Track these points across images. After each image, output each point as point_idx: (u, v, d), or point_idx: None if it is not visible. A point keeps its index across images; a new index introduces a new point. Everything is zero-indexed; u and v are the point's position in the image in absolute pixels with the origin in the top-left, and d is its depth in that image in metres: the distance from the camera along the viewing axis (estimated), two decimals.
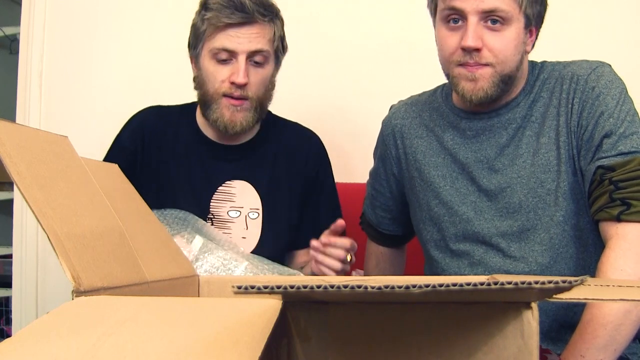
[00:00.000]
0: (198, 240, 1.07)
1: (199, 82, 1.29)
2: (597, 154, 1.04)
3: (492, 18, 1.06)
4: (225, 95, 1.25)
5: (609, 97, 1.06)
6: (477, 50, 1.06)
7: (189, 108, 1.39)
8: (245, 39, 1.23)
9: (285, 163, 1.36)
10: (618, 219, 0.99)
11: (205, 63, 1.26)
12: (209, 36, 1.24)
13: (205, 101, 1.28)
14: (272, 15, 1.27)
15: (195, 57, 1.30)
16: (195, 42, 1.28)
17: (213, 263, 1.04)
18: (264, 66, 1.27)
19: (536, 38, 1.14)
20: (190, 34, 1.30)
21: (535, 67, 1.17)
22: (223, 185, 1.32)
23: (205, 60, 1.26)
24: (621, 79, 1.09)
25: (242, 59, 1.23)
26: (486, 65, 1.07)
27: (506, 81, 1.10)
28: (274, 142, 1.37)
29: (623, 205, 0.99)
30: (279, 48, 1.30)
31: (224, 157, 1.34)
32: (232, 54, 1.23)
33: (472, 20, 1.06)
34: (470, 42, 1.06)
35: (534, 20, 1.10)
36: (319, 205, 1.39)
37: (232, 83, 1.23)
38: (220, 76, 1.24)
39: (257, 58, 1.25)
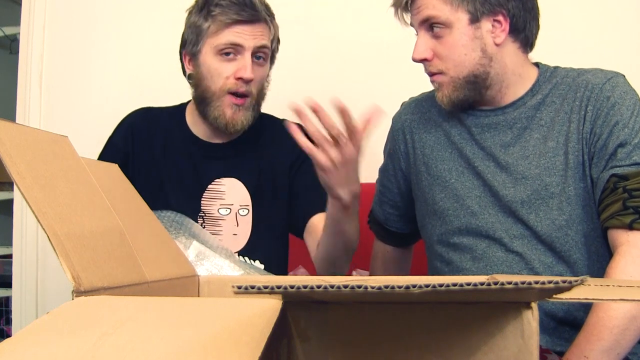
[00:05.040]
0: (194, 247, 1.07)
1: (198, 79, 1.30)
2: (611, 162, 1.05)
3: (431, 25, 1.11)
4: (229, 92, 1.26)
5: (624, 108, 1.06)
6: (427, 60, 1.13)
7: (178, 109, 1.40)
8: (250, 35, 1.25)
9: (272, 157, 1.36)
10: (630, 227, 1.00)
11: (208, 60, 1.27)
12: (213, 33, 1.25)
13: (204, 98, 1.29)
14: (273, 17, 1.31)
15: (192, 54, 1.30)
16: (195, 39, 1.28)
17: (209, 269, 1.05)
18: (264, 64, 1.30)
19: (515, 22, 1.10)
20: (187, 32, 1.31)
21: (547, 70, 1.17)
22: (212, 183, 1.32)
23: (208, 57, 1.27)
24: (635, 90, 1.10)
25: (248, 55, 1.25)
26: (440, 73, 1.13)
27: (473, 81, 1.11)
28: (260, 138, 1.37)
29: (636, 214, 1.00)
30: (276, 48, 1.34)
31: (213, 155, 1.34)
32: (237, 50, 1.25)
33: (420, 33, 1.13)
34: (414, 54, 1.14)
35: (483, 10, 1.08)
36: (306, 174, 1.30)
37: (239, 79, 1.25)
38: (224, 72, 1.26)
39: (260, 54, 1.28)
